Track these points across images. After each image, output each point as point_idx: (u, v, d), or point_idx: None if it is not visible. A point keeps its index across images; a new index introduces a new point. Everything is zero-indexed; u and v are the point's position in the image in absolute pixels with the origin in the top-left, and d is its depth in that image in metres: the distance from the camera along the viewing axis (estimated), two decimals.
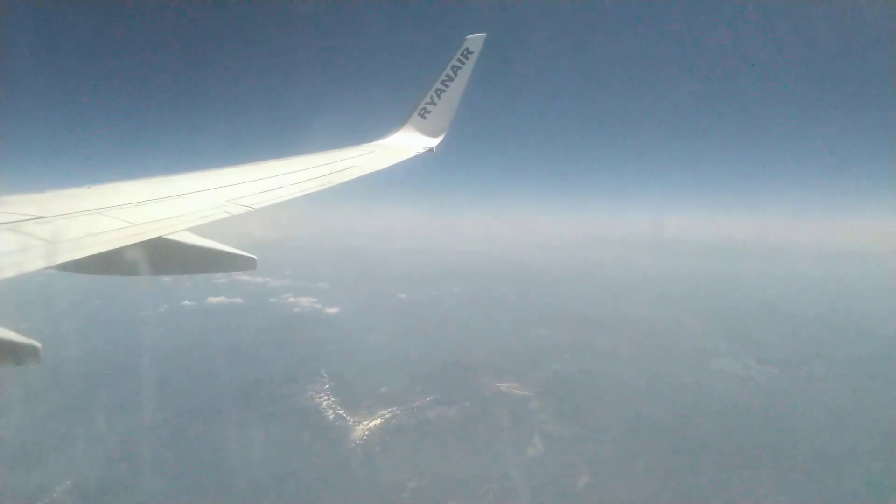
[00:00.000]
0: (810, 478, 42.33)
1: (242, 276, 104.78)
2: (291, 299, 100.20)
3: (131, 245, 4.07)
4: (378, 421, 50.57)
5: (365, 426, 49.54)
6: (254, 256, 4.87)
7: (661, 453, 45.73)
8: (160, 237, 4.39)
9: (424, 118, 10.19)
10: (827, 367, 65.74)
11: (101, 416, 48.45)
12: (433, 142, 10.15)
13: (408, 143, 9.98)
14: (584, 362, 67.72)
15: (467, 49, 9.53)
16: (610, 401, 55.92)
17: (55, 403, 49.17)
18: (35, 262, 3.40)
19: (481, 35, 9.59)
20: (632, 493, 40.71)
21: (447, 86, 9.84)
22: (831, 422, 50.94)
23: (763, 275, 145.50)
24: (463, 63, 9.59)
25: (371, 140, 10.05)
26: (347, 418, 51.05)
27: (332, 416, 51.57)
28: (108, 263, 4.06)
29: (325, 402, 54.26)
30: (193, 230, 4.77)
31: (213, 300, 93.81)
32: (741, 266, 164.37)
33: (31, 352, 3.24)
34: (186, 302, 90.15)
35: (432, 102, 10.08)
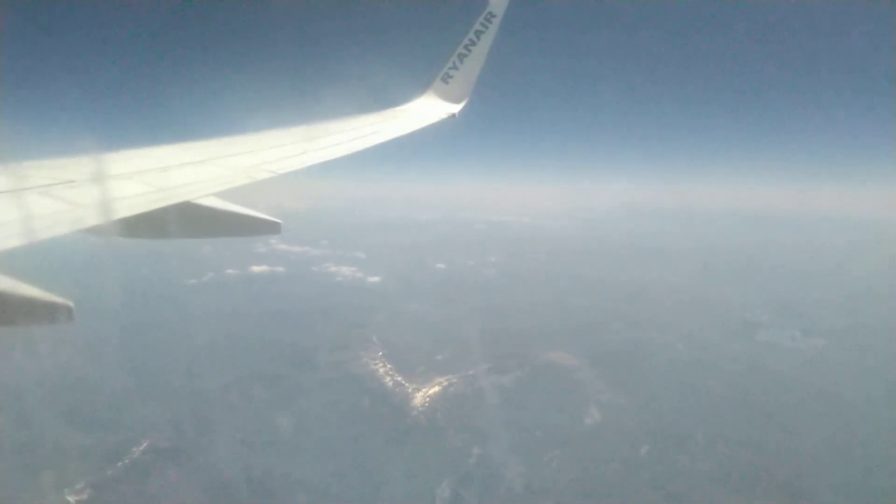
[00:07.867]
0: (873, 450, 42.30)
1: (282, 245, 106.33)
2: (333, 268, 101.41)
3: (159, 209, 4.18)
4: (436, 388, 51.50)
5: (425, 393, 50.57)
6: (279, 221, 5.05)
7: (719, 424, 45.90)
8: (187, 201, 4.51)
9: (447, 83, 10.07)
10: (877, 338, 64.38)
11: (165, 379, 50.22)
12: (455, 107, 10.08)
13: (430, 109, 9.91)
14: (630, 332, 67.84)
15: (490, 13, 9.30)
16: (661, 371, 56.09)
17: (118, 369, 50.65)
18: (66, 225, 3.49)
19: None
20: (694, 462, 41.18)
21: (470, 50, 9.66)
22: (890, 392, 50.41)
23: (798, 245, 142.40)
24: (486, 27, 9.39)
25: (393, 106, 9.97)
26: (406, 385, 52.14)
27: (390, 383, 52.72)
28: (138, 227, 4.20)
29: (381, 369, 55.38)
30: (219, 195, 4.91)
31: (255, 269, 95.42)
32: (774, 236, 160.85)
33: (65, 311, 3.29)
34: (230, 270, 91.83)
35: (455, 67, 9.93)
